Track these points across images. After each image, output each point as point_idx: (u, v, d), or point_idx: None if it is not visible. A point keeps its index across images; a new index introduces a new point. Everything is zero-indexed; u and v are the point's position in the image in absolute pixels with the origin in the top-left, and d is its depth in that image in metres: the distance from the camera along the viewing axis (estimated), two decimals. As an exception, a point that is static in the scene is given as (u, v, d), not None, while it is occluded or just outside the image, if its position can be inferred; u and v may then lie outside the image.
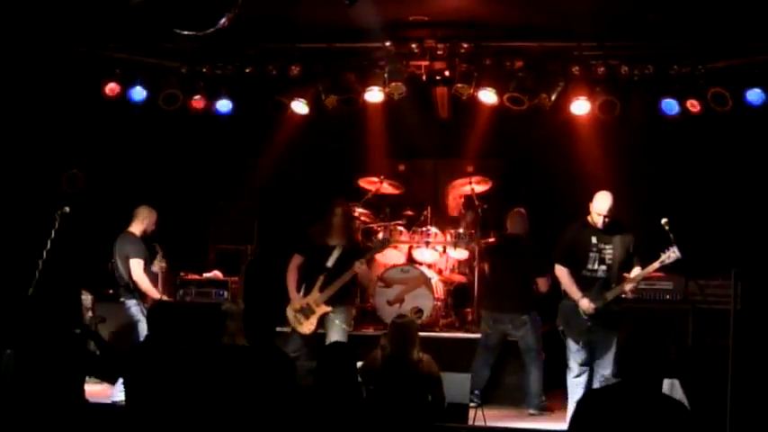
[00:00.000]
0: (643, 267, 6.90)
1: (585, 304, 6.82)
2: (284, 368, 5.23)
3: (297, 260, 7.60)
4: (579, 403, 4.15)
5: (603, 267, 6.91)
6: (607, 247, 6.92)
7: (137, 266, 7.82)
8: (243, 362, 5.26)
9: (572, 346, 6.96)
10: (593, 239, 6.92)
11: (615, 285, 6.87)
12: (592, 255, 6.90)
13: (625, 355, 4.04)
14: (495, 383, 7.79)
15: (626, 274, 6.96)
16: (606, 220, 6.88)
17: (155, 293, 7.85)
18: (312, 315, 7.37)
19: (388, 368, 6.05)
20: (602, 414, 3.87)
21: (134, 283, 7.83)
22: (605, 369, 6.83)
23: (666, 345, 4.03)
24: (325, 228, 7.58)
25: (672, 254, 6.66)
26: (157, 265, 7.96)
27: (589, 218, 7.00)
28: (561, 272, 7.03)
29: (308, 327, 7.38)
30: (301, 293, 7.48)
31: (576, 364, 6.93)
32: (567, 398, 7.04)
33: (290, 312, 7.41)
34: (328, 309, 7.36)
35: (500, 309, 7.74)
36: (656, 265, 6.75)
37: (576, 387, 6.88)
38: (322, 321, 7.40)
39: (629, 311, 7.70)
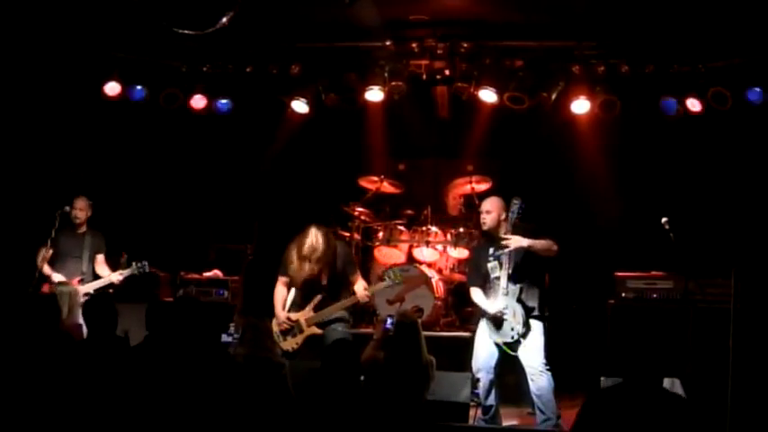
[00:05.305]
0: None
1: (490, 309, 6.70)
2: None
3: (283, 280, 7.06)
4: (584, 405, 4.14)
5: (504, 273, 6.74)
6: (503, 252, 6.78)
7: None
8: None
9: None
10: (491, 249, 6.84)
11: (516, 288, 6.63)
12: (490, 264, 6.80)
13: (626, 355, 4.03)
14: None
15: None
16: (488, 219, 6.82)
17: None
18: (300, 335, 6.90)
19: (395, 368, 5.83)
20: (607, 415, 3.87)
21: None
22: (533, 361, 6.64)
23: (662, 341, 4.02)
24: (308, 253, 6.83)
25: (513, 206, 6.61)
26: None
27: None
28: (474, 293, 6.91)
29: (291, 344, 6.90)
30: (288, 306, 6.99)
31: None
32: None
33: (274, 326, 6.96)
34: (318, 332, 6.86)
35: None
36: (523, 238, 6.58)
37: None
38: (307, 343, 6.89)
39: (628, 310, 7.74)
